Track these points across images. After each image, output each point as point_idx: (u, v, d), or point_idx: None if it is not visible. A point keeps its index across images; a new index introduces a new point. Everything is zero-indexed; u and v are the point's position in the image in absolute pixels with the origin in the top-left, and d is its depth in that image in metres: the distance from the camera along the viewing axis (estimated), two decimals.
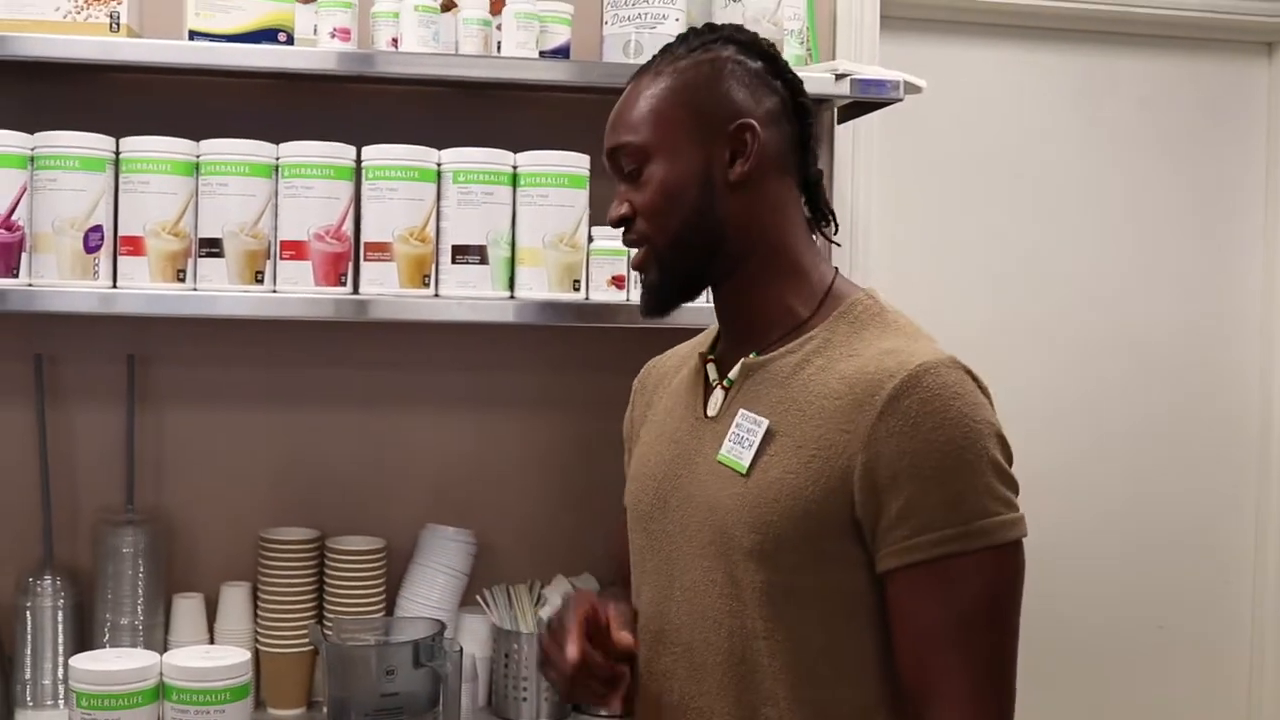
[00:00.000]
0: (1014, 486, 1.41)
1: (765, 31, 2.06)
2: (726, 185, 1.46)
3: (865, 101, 2.26)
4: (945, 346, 1.46)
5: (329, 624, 2.05)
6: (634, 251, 1.52)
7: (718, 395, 1.53)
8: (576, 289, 2.11)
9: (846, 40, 2.52)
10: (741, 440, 1.46)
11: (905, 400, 1.38)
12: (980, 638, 1.38)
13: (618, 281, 2.13)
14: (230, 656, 1.83)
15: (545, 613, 2.27)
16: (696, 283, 1.53)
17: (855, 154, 2.54)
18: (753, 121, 1.46)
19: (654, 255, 1.50)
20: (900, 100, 2.23)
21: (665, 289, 1.52)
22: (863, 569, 1.42)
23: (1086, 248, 2.81)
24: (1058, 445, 2.81)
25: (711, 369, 1.56)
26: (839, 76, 2.17)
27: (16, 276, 2.01)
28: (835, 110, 2.40)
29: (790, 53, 2.21)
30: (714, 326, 1.62)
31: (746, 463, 1.45)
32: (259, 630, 2.25)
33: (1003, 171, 2.76)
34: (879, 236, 2.60)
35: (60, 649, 2.18)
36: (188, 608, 2.25)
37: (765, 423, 1.46)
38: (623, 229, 1.52)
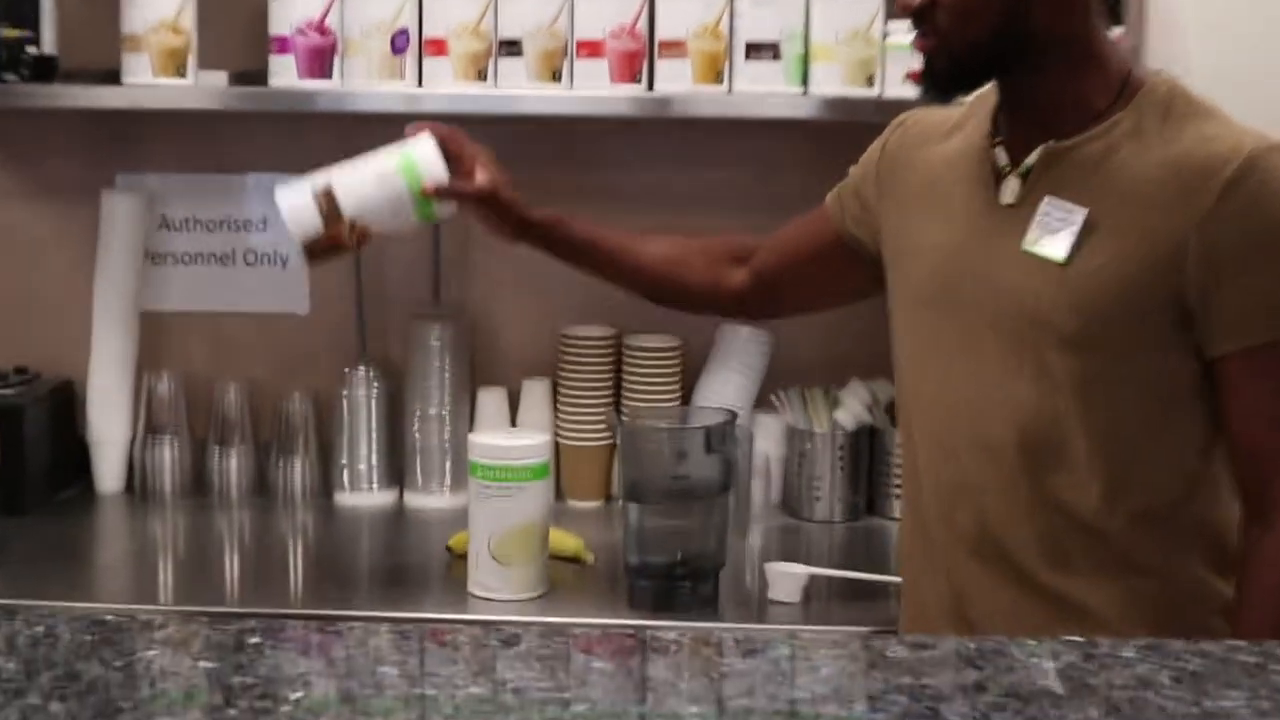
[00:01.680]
0: None
1: None
2: None
3: None
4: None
5: (626, 415, 2.40)
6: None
7: (1012, 183, 1.67)
8: (870, 85, 2.32)
9: None
10: (1051, 228, 1.62)
11: (1246, 183, 1.57)
12: None
13: (914, 77, 2.32)
14: (531, 437, 2.20)
15: (840, 415, 2.51)
16: (986, 73, 1.69)
17: None
18: None
19: (946, 49, 1.66)
20: None
21: (952, 77, 1.68)
22: (1186, 355, 1.62)
23: None
24: None
25: (1000, 153, 1.69)
26: None
27: (329, 78, 2.34)
28: None
29: None
30: (979, 102, 1.75)
31: (1063, 252, 1.61)
32: (559, 423, 2.57)
33: None
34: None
35: (374, 436, 2.56)
36: (491, 400, 2.57)
37: (1081, 211, 1.61)
38: (916, 22, 1.67)
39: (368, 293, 2.63)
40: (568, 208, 2.59)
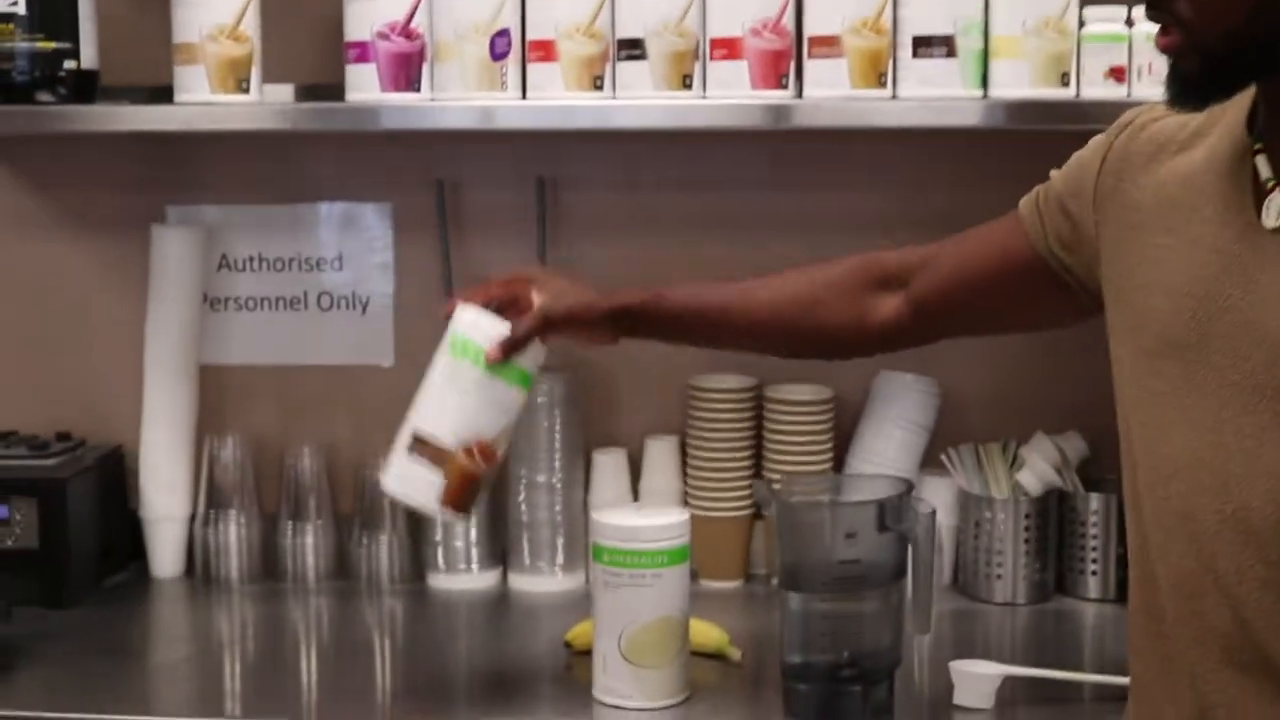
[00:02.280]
0: None
1: None
2: None
3: None
4: None
5: (775, 481, 2.19)
6: (1155, 29, 1.52)
7: (1277, 200, 1.50)
8: (1065, 84, 2.12)
9: None
10: None
11: None
12: None
13: (1117, 74, 2.11)
14: (667, 515, 1.98)
15: (1023, 477, 2.32)
16: (1248, 72, 1.53)
17: None
18: None
19: (1195, 45, 1.51)
20: None
21: (1207, 80, 1.48)
22: None
23: None
24: None
25: (1262, 165, 1.50)
26: None
27: (417, 90, 2.16)
28: None
29: None
30: (1233, 101, 1.54)
31: None
32: (689, 491, 2.40)
33: None
34: None
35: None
36: (609, 464, 2.40)
37: None
38: (1152, 13, 1.51)
39: None
40: (693, 236, 2.43)
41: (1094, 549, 2.34)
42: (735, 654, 2.10)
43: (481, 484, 1.89)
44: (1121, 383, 1.61)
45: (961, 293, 1.82)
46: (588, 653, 2.01)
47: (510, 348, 1.87)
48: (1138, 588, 1.62)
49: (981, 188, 2.38)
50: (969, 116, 2.15)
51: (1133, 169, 1.62)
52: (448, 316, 1.90)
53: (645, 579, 1.91)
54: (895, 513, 1.88)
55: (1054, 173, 1.73)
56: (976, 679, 1.95)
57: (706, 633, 2.11)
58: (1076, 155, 1.70)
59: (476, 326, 1.87)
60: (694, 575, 2.35)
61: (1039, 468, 2.35)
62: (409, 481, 1.87)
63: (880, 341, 1.92)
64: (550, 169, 2.44)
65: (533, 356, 1.89)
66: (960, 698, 1.95)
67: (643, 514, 1.97)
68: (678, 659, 1.95)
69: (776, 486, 1.97)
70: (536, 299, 1.90)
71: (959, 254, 1.83)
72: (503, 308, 1.91)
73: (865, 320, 1.88)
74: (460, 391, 1.87)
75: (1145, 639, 1.61)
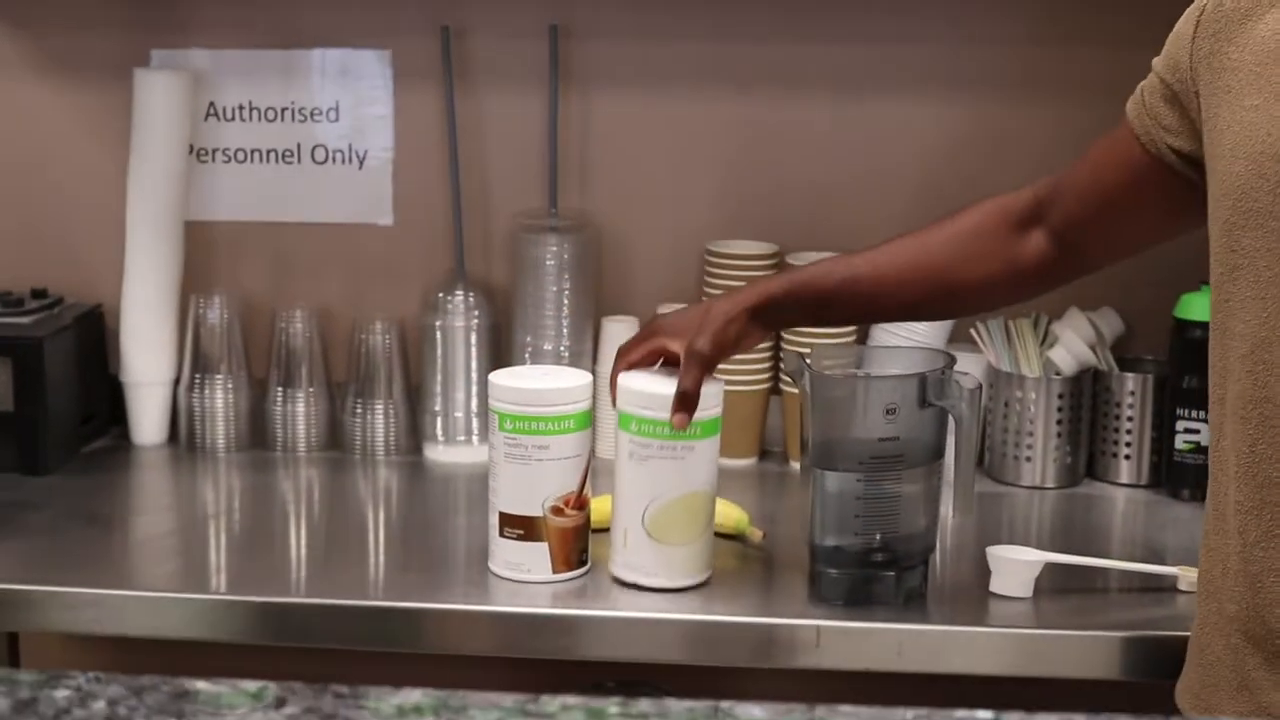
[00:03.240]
0: None
1: None
2: None
3: None
4: None
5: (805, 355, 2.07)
6: None
7: None
8: None
9: None
10: None
11: None
12: None
13: None
14: (705, 383, 1.84)
15: (1056, 355, 2.23)
16: None
17: None
18: None
19: None
20: None
21: None
22: None
23: None
24: None
25: None
26: None
27: None
28: None
29: None
30: None
31: None
32: None
33: None
34: None
35: (474, 376, 2.31)
36: (620, 332, 2.28)
37: None
38: None
39: (467, 200, 2.39)
40: (719, 92, 2.35)
41: (1128, 432, 2.25)
42: (756, 535, 2.00)
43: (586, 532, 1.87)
44: (1212, 257, 1.50)
45: (1100, 217, 1.72)
46: (600, 530, 1.90)
47: (689, 406, 1.77)
48: (1212, 478, 1.52)
49: (1059, 43, 2.26)
50: None
51: (1230, 28, 1.50)
52: (613, 401, 1.83)
53: (676, 451, 1.79)
54: (938, 387, 1.78)
55: (1155, 60, 1.60)
56: (1015, 566, 1.85)
57: (725, 512, 2.00)
58: (1173, 30, 1.57)
59: (645, 400, 1.79)
60: None
61: (1073, 345, 2.26)
62: (515, 566, 1.85)
63: (1036, 283, 1.83)
64: (564, 15, 2.33)
65: (711, 408, 1.80)
66: (997, 585, 1.85)
67: (674, 382, 1.84)
68: (703, 537, 1.84)
69: (807, 359, 1.84)
70: (676, 347, 1.80)
71: (1085, 177, 1.73)
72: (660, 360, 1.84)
73: (1017, 265, 1.79)
74: (651, 466, 1.80)
75: (1213, 532, 1.51)
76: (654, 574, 1.82)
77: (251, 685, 0.86)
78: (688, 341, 1.77)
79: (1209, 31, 1.50)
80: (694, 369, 1.76)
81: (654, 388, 1.80)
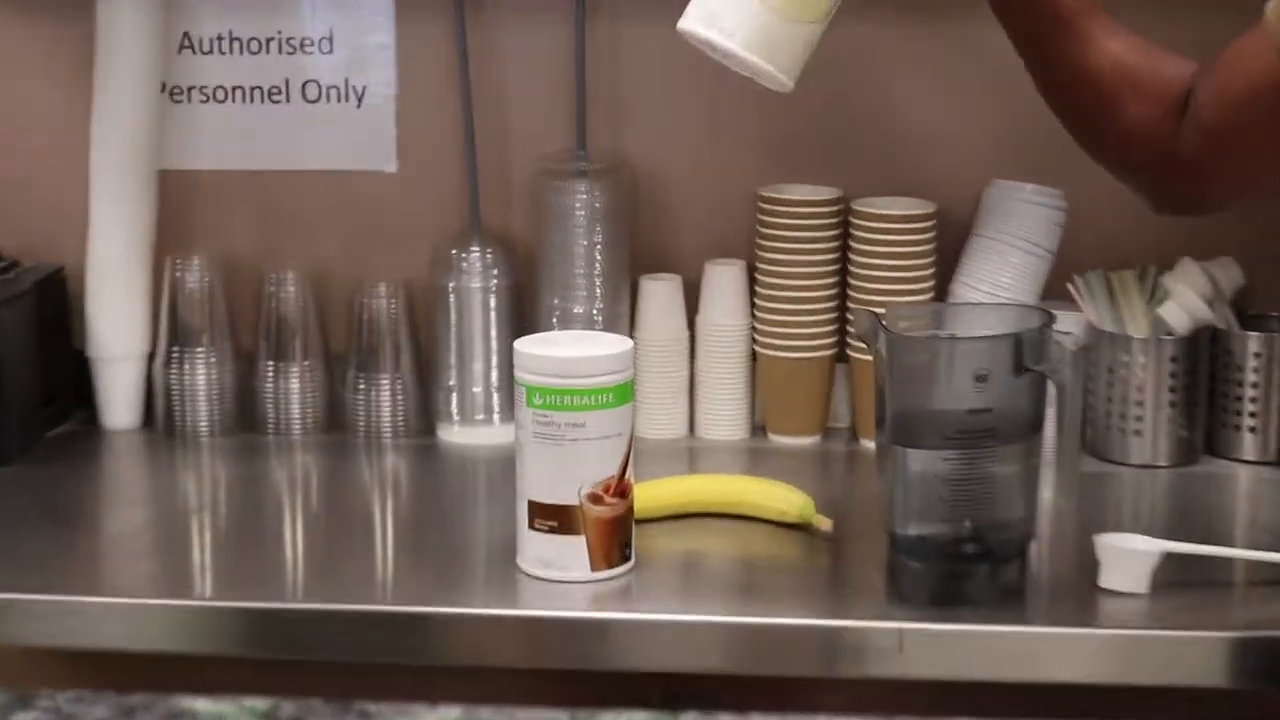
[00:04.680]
0: None
1: None
2: None
3: None
4: None
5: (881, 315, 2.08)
6: None
7: None
8: None
9: None
10: None
11: None
12: None
13: None
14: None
15: (1167, 312, 2.22)
16: None
17: None
18: None
19: None
20: None
21: None
22: None
23: None
24: None
25: None
26: None
27: None
28: None
29: None
30: None
31: None
32: (757, 326, 2.32)
33: None
34: None
35: (494, 345, 2.33)
36: (661, 292, 2.33)
37: None
38: None
39: (482, 142, 2.40)
40: None
41: (1252, 400, 2.25)
42: (824, 523, 2.00)
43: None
44: None
45: (1233, 126, 1.71)
46: (646, 520, 1.92)
47: None
48: None
49: None
50: None
51: None
52: None
53: None
54: (1035, 349, 1.77)
55: None
56: (1128, 557, 1.84)
57: (787, 498, 2.02)
58: None
59: None
60: (762, 430, 2.37)
61: (1186, 300, 2.25)
62: (547, 563, 1.84)
63: (1159, 175, 1.81)
64: None
65: None
66: (1108, 579, 1.84)
67: None
68: (816, 22, 1.68)
69: (883, 319, 1.83)
70: None
71: (1222, 75, 1.72)
72: None
73: (1163, 129, 1.76)
74: None
75: None
76: (733, 33, 1.65)
77: (260, 702, 0.85)
78: None
79: None
80: None
81: None
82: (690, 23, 1.66)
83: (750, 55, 1.65)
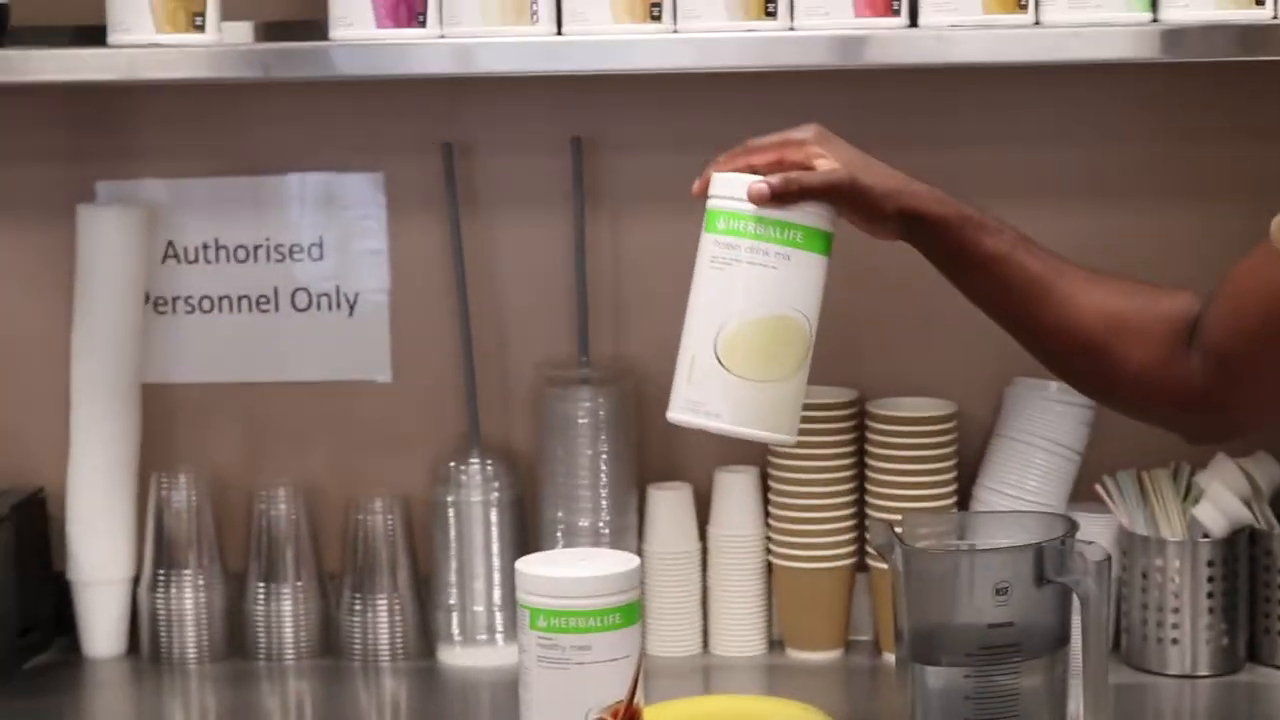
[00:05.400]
0: None
1: None
2: None
3: None
4: None
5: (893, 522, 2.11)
6: None
7: None
8: (1260, 3, 2.06)
9: None
10: None
11: None
12: None
13: None
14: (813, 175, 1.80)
15: (1202, 512, 2.25)
16: None
17: None
18: None
19: None
20: None
21: None
22: None
23: None
24: None
25: None
26: None
27: (422, 24, 2.12)
28: None
29: None
30: None
31: None
32: (771, 536, 2.35)
33: None
34: None
35: (496, 562, 2.35)
36: (671, 502, 2.35)
37: None
38: None
39: (480, 349, 2.45)
40: None
41: None
42: None
43: None
44: None
45: (1246, 350, 1.75)
46: None
47: (796, 192, 1.75)
48: None
49: (1162, 143, 2.32)
50: (1135, 47, 2.10)
51: None
52: (701, 193, 1.82)
53: (768, 257, 1.77)
54: (1057, 560, 1.78)
55: None
56: None
57: (798, 716, 2.04)
58: None
59: (729, 183, 1.78)
60: (780, 646, 2.39)
61: (1223, 499, 2.28)
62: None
63: (1173, 410, 1.85)
64: (587, 126, 2.40)
65: (817, 216, 1.77)
66: None
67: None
68: (790, 379, 1.78)
69: (898, 529, 1.87)
70: (825, 164, 1.79)
71: (1233, 295, 1.76)
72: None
73: (1168, 370, 1.81)
74: (733, 275, 1.77)
75: None
76: (719, 414, 1.76)
77: None
78: (847, 162, 1.79)
79: None
80: (837, 179, 1.77)
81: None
82: (678, 413, 1.77)
83: (743, 429, 1.75)
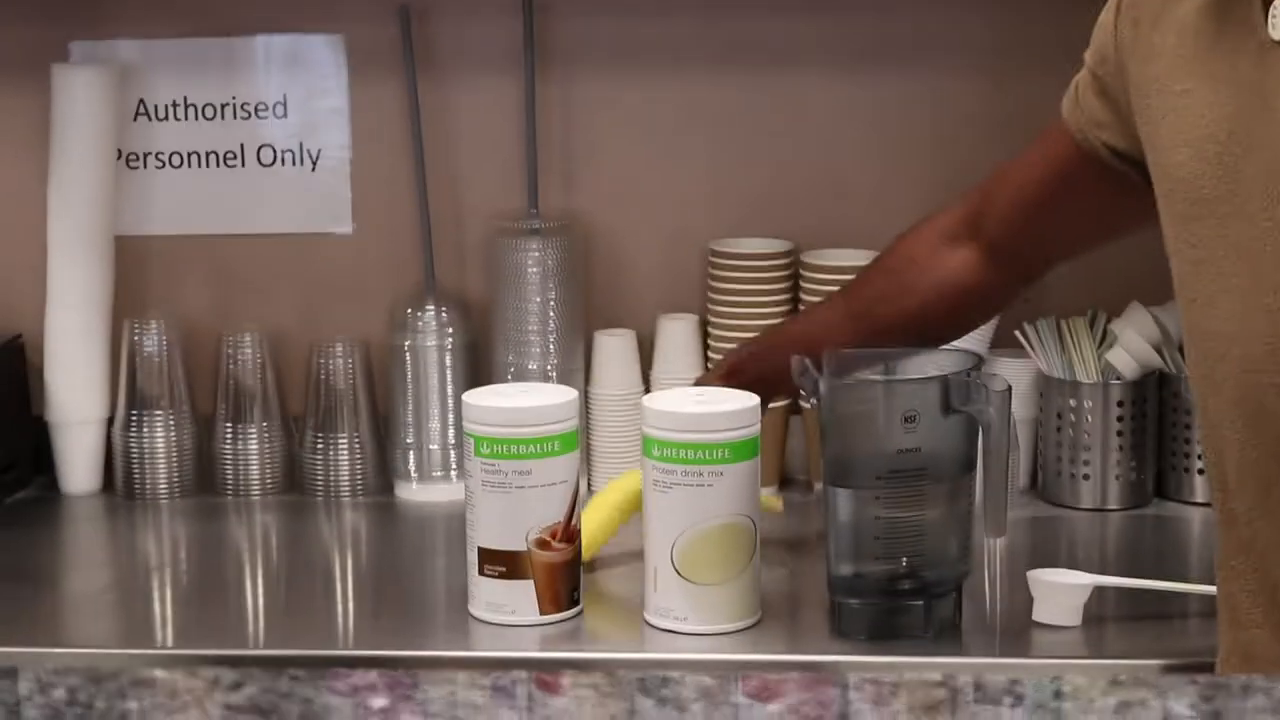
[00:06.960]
0: None
1: None
2: None
3: None
4: None
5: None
6: None
7: None
8: None
9: None
10: None
11: None
12: None
13: None
14: (731, 400, 1.99)
15: (1115, 357, 2.35)
16: None
17: None
18: None
19: None
20: None
21: None
22: None
23: None
24: None
25: None
26: None
27: None
28: None
29: None
30: None
31: None
32: None
33: None
34: None
35: (450, 403, 2.45)
36: (615, 348, 2.46)
37: None
38: None
39: (435, 202, 2.54)
40: (717, 74, 2.51)
41: (1200, 443, 2.29)
42: (776, 505, 2.23)
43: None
44: (1170, 256, 1.66)
45: (1033, 223, 1.93)
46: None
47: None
48: (1213, 484, 1.67)
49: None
50: None
51: (1150, 11, 1.67)
52: None
53: (703, 478, 1.94)
54: (962, 391, 1.91)
55: (1086, 53, 1.79)
56: (1060, 591, 1.99)
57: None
58: (1098, 19, 1.76)
59: (670, 419, 1.98)
60: None
61: (1135, 345, 2.38)
62: (497, 608, 2.00)
63: (980, 303, 2.06)
64: None
65: (745, 421, 1.99)
66: (1041, 613, 1.99)
67: (703, 400, 2.02)
68: (742, 576, 1.98)
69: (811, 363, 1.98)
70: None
71: (1018, 181, 1.93)
72: None
73: (951, 287, 2.00)
74: (674, 497, 1.97)
75: (1224, 538, 1.67)
76: (685, 618, 1.97)
77: None
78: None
79: (1130, 18, 1.69)
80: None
81: (676, 407, 1.98)
82: (651, 617, 1.99)
83: (710, 628, 1.97)
